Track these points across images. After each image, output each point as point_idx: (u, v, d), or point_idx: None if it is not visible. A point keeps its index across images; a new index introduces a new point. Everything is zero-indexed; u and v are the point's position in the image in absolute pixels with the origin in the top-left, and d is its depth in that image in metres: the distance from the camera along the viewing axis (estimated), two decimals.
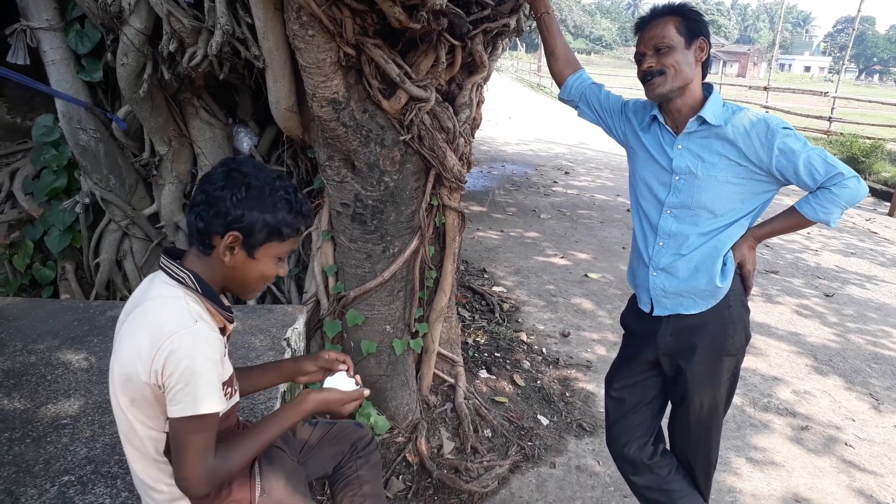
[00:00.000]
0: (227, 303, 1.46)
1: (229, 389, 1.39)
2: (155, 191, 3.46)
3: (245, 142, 3.37)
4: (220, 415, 1.32)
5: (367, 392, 1.60)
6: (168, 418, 1.29)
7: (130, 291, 3.15)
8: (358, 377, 1.63)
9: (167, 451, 1.35)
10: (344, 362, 1.67)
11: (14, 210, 3.60)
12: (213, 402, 1.28)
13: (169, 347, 1.23)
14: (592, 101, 2.14)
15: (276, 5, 2.32)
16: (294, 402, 1.51)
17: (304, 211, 1.41)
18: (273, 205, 1.34)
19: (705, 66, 1.85)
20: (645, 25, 1.84)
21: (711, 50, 1.87)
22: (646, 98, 1.93)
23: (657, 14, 1.83)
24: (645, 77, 1.83)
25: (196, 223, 1.34)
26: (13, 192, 3.58)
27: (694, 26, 1.79)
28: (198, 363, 1.24)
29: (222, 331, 1.40)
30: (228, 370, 1.40)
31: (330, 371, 1.66)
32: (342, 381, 1.59)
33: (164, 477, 1.38)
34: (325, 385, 1.58)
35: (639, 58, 1.86)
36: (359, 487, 1.84)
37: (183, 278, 1.34)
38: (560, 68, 2.19)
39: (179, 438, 1.28)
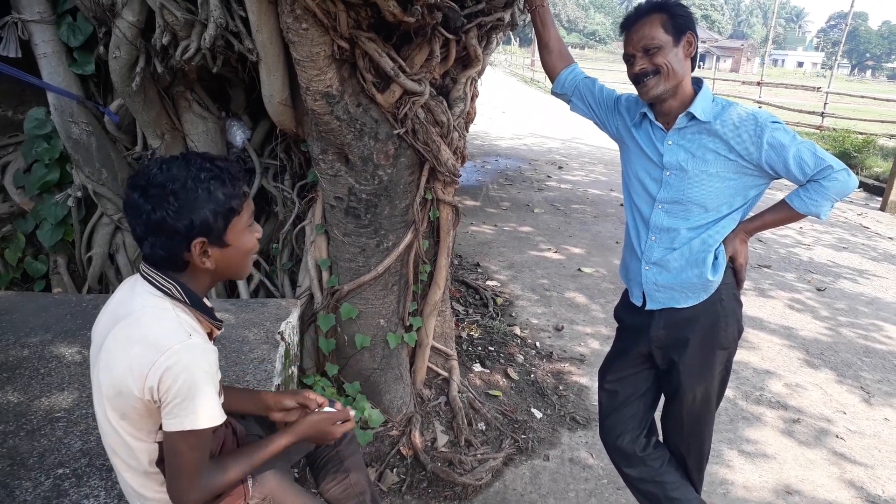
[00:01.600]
0: (209, 304, 1.43)
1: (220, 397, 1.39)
2: None
3: (238, 135, 3.36)
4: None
5: (352, 412, 1.65)
6: (163, 430, 1.26)
7: None
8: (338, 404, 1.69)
9: (159, 462, 1.34)
10: (323, 405, 1.64)
11: (5, 204, 3.58)
12: (213, 416, 1.26)
13: (165, 364, 1.20)
14: (586, 95, 2.13)
15: None
16: (288, 426, 1.56)
17: (235, 173, 1.33)
18: (207, 192, 1.26)
19: (694, 60, 1.83)
20: (631, 25, 1.82)
21: (700, 43, 1.86)
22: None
23: (642, 13, 1.80)
24: (638, 79, 1.81)
25: (157, 253, 1.28)
26: (4, 186, 3.55)
27: (681, 22, 1.77)
28: (196, 378, 1.22)
29: (209, 336, 1.38)
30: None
31: (307, 409, 1.66)
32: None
33: (154, 484, 1.38)
34: None
35: (629, 59, 1.84)
36: (345, 475, 1.84)
37: (169, 290, 1.30)
38: (553, 62, 2.18)
39: (175, 452, 1.26)
